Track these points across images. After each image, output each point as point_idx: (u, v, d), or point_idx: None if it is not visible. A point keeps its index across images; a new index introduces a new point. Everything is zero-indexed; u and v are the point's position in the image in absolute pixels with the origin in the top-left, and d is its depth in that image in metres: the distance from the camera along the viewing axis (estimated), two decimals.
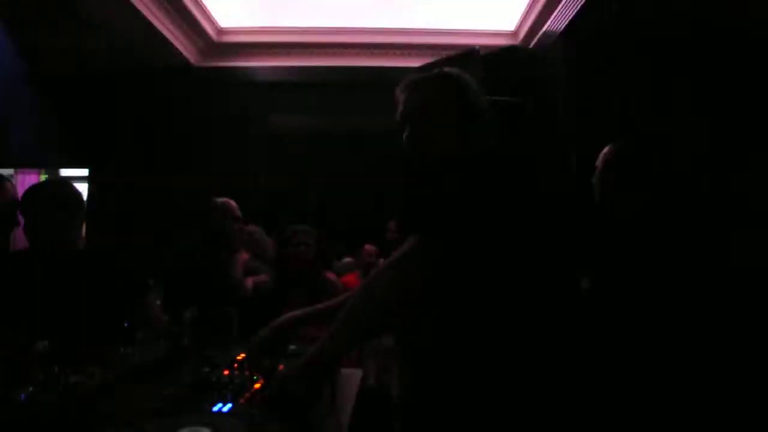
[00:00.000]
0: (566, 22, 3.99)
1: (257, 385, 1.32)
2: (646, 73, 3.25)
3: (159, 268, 2.70)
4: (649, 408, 1.64)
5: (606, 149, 1.98)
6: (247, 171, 4.98)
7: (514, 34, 4.77)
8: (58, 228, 2.02)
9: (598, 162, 1.98)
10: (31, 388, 1.24)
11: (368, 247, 4.24)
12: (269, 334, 1.50)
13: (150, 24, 4.00)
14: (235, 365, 1.46)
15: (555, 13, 4.07)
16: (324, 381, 1.30)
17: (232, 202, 2.97)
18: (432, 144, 1.37)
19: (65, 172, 6.88)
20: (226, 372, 1.42)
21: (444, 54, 4.35)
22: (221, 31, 4.79)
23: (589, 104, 3.72)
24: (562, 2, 3.94)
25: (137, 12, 3.80)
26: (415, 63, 4.38)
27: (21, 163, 5.69)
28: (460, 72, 1.43)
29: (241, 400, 1.23)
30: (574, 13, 3.85)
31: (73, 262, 2.05)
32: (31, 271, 2.04)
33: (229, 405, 1.20)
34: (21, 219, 2.03)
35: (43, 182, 3.56)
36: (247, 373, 1.40)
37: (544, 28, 4.32)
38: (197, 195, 3.24)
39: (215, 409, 1.17)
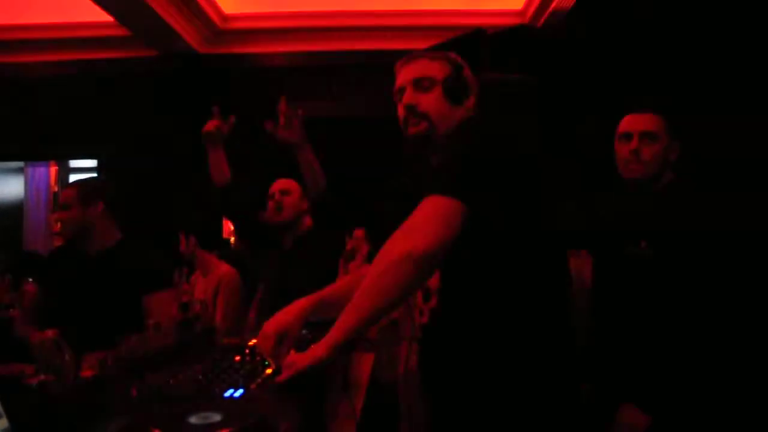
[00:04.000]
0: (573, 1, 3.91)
1: (268, 371, 1.31)
2: (658, 53, 3.18)
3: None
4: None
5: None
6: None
7: (522, 13, 4.68)
8: None
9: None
10: (42, 376, 1.24)
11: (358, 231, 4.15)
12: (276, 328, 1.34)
13: (154, 11, 3.96)
14: (246, 351, 1.45)
15: None
16: (337, 364, 1.28)
17: None
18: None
19: (74, 164, 6.92)
20: (237, 358, 1.41)
21: (450, 35, 4.28)
22: (226, 18, 4.74)
23: (598, 86, 3.66)
24: None
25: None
26: (421, 44, 4.32)
27: (30, 155, 5.71)
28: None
29: (253, 386, 1.22)
30: None
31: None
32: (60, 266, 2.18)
33: (241, 391, 1.19)
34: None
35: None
36: (258, 358, 1.39)
37: (552, 7, 4.23)
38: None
39: (226, 395, 1.16)
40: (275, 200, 2.58)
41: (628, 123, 1.88)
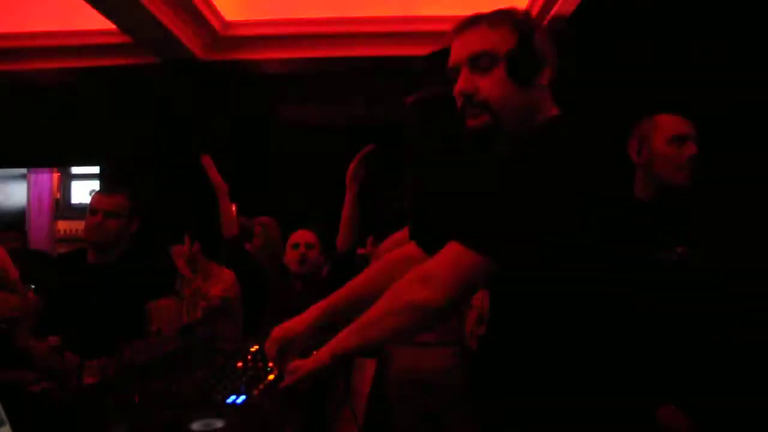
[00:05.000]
0: (575, 6, 3.93)
1: (271, 377, 1.31)
2: (658, 59, 3.18)
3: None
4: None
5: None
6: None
7: None
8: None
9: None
10: (45, 384, 1.24)
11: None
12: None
13: (155, 18, 3.98)
14: (249, 356, 1.46)
15: None
16: (338, 374, 1.28)
17: None
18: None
19: (76, 170, 6.93)
20: (239, 364, 1.41)
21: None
22: (227, 24, 4.76)
23: (597, 91, 3.67)
24: None
25: (140, 5, 3.77)
26: (420, 50, 4.33)
27: (32, 162, 5.73)
28: None
29: (255, 392, 1.22)
30: None
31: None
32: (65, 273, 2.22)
33: (243, 397, 1.19)
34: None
35: None
36: (260, 364, 1.40)
37: (554, 12, 4.25)
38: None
39: (229, 401, 1.17)
40: (300, 252, 2.66)
41: (681, 125, 1.74)
